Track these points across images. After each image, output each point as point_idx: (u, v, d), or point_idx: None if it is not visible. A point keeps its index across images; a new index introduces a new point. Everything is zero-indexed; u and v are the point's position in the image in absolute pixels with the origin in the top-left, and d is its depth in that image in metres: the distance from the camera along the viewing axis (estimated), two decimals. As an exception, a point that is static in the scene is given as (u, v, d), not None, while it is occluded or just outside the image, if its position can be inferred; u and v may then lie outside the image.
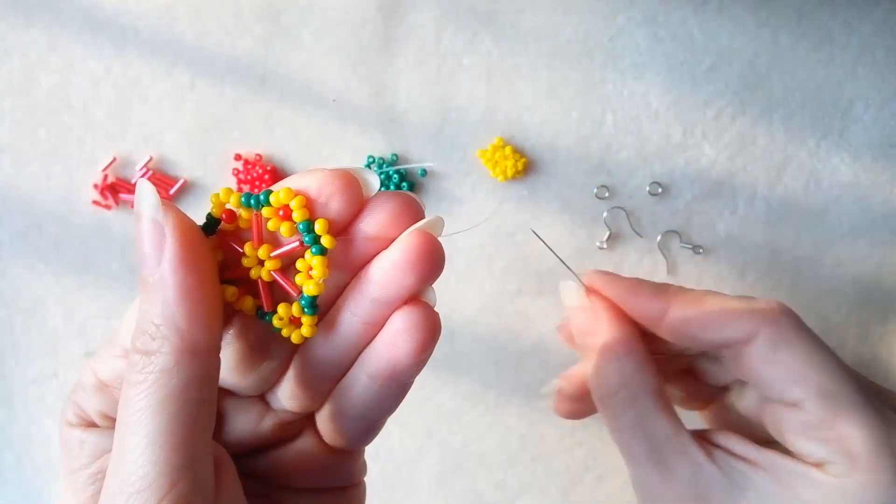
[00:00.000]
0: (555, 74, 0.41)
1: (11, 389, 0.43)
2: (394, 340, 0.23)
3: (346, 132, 0.41)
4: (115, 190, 0.41)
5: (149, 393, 0.21)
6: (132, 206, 0.41)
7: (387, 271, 0.22)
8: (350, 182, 0.22)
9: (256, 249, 0.23)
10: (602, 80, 0.41)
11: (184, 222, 0.22)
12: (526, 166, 0.41)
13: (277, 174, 0.41)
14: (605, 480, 0.44)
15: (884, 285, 0.43)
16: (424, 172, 0.42)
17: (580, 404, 0.34)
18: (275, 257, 0.23)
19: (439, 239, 0.23)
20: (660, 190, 0.42)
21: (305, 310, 0.23)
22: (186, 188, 0.42)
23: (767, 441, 0.32)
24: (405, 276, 0.22)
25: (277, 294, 0.24)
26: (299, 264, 0.23)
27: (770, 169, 0.42)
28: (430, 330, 0.23)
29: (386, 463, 0.44)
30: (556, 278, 0.39)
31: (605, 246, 0.42)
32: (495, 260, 0.42)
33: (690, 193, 0.42)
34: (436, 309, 0.23)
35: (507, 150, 0.41)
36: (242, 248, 0.23)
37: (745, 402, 0.34)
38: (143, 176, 0.41)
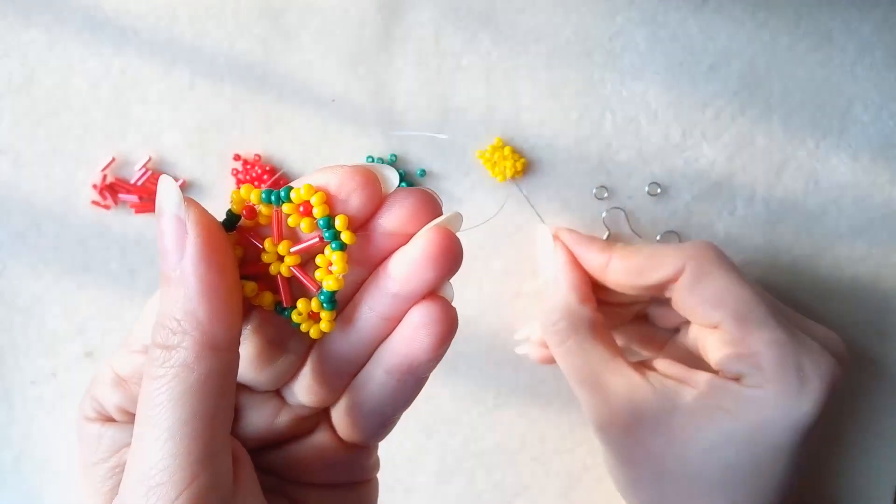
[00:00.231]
0: (554, 75, 0.41)
1: (10, 389, 0.43)
2: (412, 335, 0.23)
3: (345, 132, 0.41)
4: (115, 190, 0.41)
5: (169, 387, 0.21)
6: (131, 207, 0.41)
7: (406, 266, 0.22)
8: (370, 178, 0.22)
9: (276, 245, 0.23)
10: (601, 81, 0.41)
11: (206, 218, 0.22)
12: (525, 167, 0.41)
13: (275, 176, 0.41)
14: (605, 480, 0.44)
15: (883, 285, 0.43)
16: (423, 173, 0.42)
17: (547, 350, 0.39)
18: (295, 253, 0.23)
19: (457, 234, 0.23)
20: (659, 190, 0.42)
21: (324, 305, 0.23)
22: (185, 188, 0.42)
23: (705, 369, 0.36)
24: (424, 272, 0.22)
25: (296, 289, 0.24)
26: (319, 260, 0.23)
27: (769, 169, 0.42)
28: (448, 324, 0.23)
29: (385, 463, 0.44)
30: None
31: (604, 246, 0.43)
32: (494, 260, 0.42)
33: (689, 194, 0.42)
34: (453, 304, 0.23)
35: (507, 150, 0.41)
36: (261, 244, 0.23)
37: (688, 338, 0.38)
38: (142, 176, 0.41)
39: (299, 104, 0.41)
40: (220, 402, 0.22)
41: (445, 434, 0.44)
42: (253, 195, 0.23)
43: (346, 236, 0.22)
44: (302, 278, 0.23)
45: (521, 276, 0.42)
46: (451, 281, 0.23)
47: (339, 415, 0.26)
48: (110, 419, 0.25)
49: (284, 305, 0.24)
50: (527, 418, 0.44)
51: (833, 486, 0.44)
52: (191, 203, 0.22)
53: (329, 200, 0.22)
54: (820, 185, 0.42)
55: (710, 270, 0.35)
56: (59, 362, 0.43)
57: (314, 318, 0.23)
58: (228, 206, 0.23)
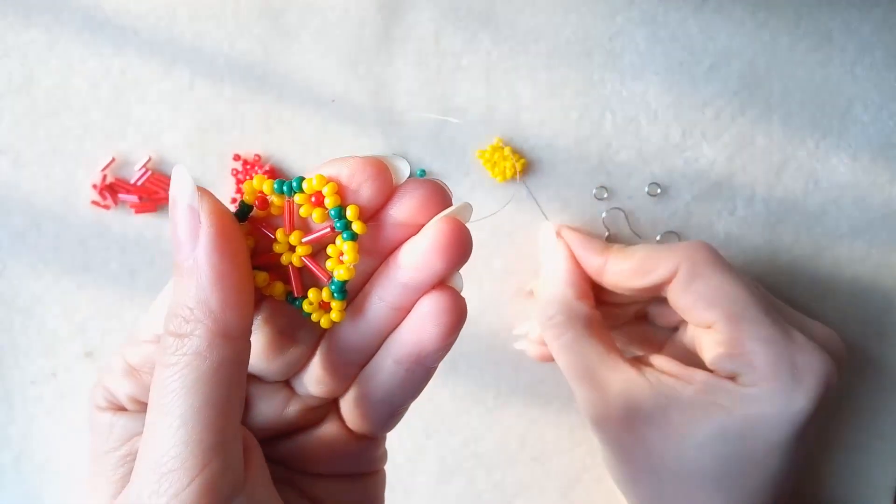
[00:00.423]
0: (554, 75, 0.41)
1: (10, 389, 0.43)
2: (421, 325, 0.23)
3: (345, 132, 0.41)
4: (114, 190, 0.41)
5: (182, 374, 0.21)
6: (131, 207, 0.41)
7: (416, 256, 0.23)
8: (381, 169, 0.23)
9: (288, 235, 0.23)
10: (601, 81, 0.41)
11: (219, 209, 0.22)
12: (525, 167, 0.41)
13: (276, 174, 0.41)
14: (604, 480, 0.44)
15: (883, 285, 0.43)
16: (423, 173, 0.42)
17: (546, 347, 0.39)
18: (306, 243, 0.23)
19: (467, 225, 0.23)
20: (659, 190, 0.42)
21: (335, 295, 0.23)
22: (185, 188, 0.42)
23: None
24: (434, 262, 0.22)
25: (307, 279, 0.24)
26: (330, 250, 0.23)
27: (769, 169, 0.42)
28: (457, 314, 0.23)
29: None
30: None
31: (604, 246, 0.43)
32: (494, 259, 0.42)
33: (689, 194, 0.42)
34: (462, 294, 0.24)
35: (506, 150, 0.41)
36: (273, 234, 0.23)
37: (686, 337, 0.39)
38: (142, 176, 0.41)
39: (299, 104, 0.41)
40: (232, 390, 0.22)
41: (445, 434, 0.44)
42: (265, 185, 0.23)
43: (357, 226, 0.22)
44: (313, 268, 0.23)
45: (521, 276, 0.42)
46: (461, 272, 0.24)
47: (347, 405, 0.26)
48: (122, 408, 0.26)
49: (295, 295, 0.24)
50: (527, 418, 0.44)
51: (832, 486, 0.44)
52: (204, 193, 0.22)
53: (340, 191, 0.22)
54: (820, 185, 0.42)
55: (703, 271, 0.35)
56: (59, 362, 0.43)
57: (325, 307, 0.24)
58: (240, 198, 0.23)
